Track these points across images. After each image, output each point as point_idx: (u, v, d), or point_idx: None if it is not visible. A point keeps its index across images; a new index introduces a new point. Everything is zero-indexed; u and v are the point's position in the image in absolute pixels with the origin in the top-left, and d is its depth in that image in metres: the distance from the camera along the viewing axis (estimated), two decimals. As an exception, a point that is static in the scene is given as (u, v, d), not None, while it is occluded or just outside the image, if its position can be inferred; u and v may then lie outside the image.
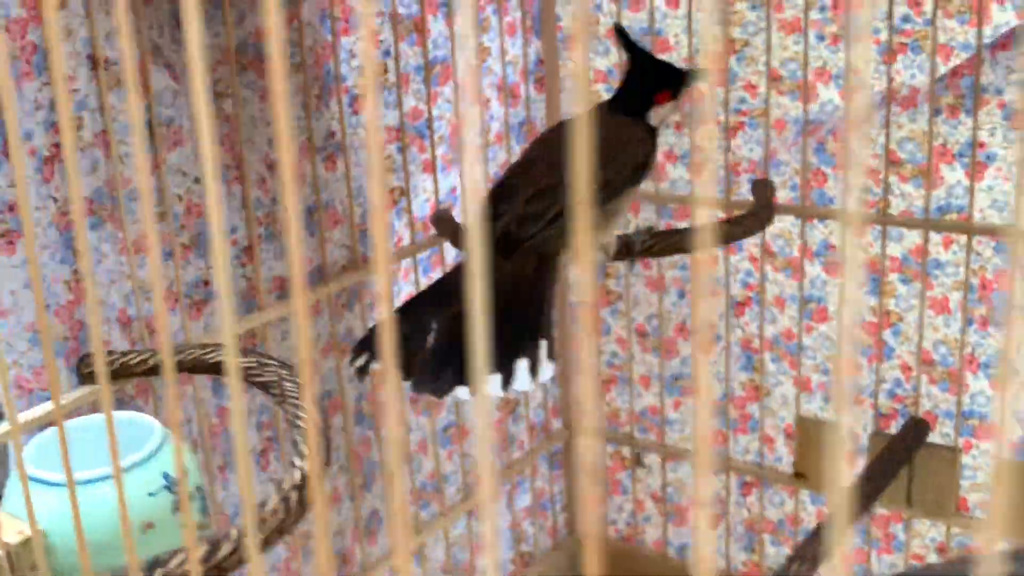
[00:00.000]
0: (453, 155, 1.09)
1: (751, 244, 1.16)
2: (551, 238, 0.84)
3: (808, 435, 1.15)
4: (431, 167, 1.06)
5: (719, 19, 1.10)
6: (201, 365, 0.73)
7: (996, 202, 0.99)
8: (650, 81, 0.87)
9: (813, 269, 1.13)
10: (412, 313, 0.79)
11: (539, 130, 1.22)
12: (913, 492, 1.09)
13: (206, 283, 0.87)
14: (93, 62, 0.76)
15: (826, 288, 1.12)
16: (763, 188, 1.07)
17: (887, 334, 1.09)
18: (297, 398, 0.72)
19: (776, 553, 1.25)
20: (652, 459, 1.31)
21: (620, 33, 0.88)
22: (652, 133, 0.87)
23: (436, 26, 1.05)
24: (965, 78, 0.97)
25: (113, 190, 0.79)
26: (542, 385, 1.32)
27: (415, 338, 0.79)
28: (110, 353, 0.77)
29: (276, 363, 0.73)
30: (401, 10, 1.01)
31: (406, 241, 1.05)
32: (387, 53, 1.00)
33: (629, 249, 0.93)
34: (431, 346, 0.78)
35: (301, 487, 0.61)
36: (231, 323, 0.31)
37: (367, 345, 0.79)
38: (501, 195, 0.85)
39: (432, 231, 1.04)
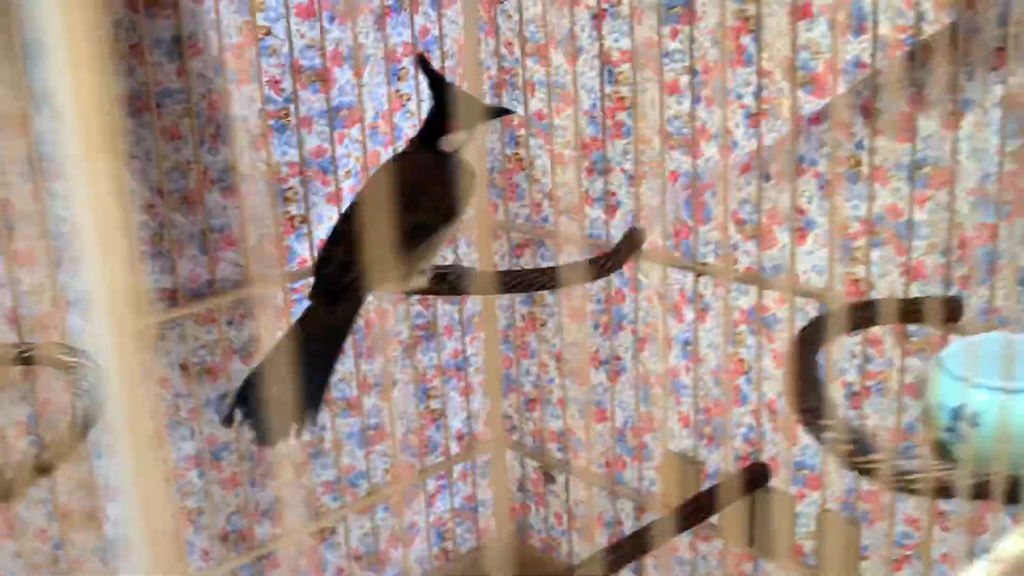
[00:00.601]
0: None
1: (654, 285, 1.24)
2: (368, 280, 0.96)
3: (672, 469, 1.22)
4: (335, 198, 1.20)
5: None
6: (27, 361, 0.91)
7: (816, 266, 1.04)
8: (446, 111, 0.94)
9: (689, 314, 1.20)
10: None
11: (470, 167, 1.34)
12: (755, 534, 1.15)
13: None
14: (-19, 109, 0.94)
15: (698, 334, 1.19)
16: (629, 236, 1.15)
17: (741, 380, 1.15)
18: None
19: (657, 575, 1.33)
20: (565, 478, 1.41)
21: (422, 63, 0.96)
22: (456, 166, 0.96)
23: (344, 74, 1.18)
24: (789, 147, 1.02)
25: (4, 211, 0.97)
26: (474, 398, 1.43)
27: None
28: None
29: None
30: (304, 62, 1.15)
31: (310, 262, 1.20)
32: (288, 100, 1.15)
33: (449, 283, 1.03)
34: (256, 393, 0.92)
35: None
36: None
37: (240, 398, 0.93)
38: (334, 241, 0.98)
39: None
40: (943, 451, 0.76)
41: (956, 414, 0.72)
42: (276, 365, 0.95)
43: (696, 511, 1.07)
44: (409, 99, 1.25)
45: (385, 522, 1.37)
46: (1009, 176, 0.89)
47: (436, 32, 1.25)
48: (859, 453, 0.69)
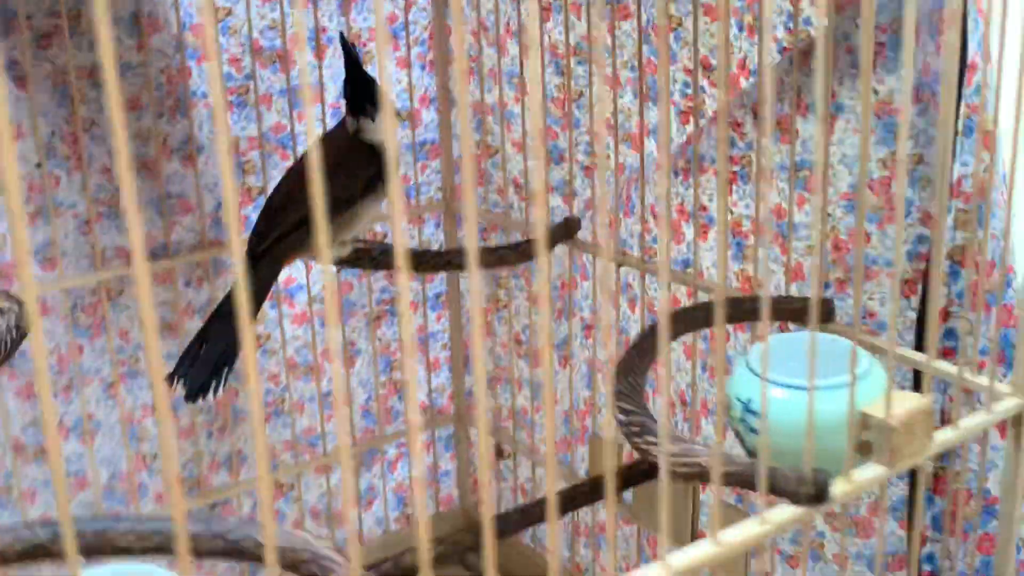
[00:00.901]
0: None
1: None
2: (283, 248, 1.03)
3: (596, 450, 1.25)
4: (293, 173, 1.27)
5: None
6: None
7: (716, 262, 1.06)
8: (359, 96, 1.00)
9: (623, 304, 1.23)
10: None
11: (440, 150, 1.40)
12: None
13: (53, 243, 1.15)
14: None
15: (629, 324, 1.22)
16: (562, 225, 1.19)
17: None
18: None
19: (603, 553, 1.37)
20: (514, 454, 1.45)
21: (343, 43, 1.01)
22: (363, 148, 1.02)
23: (303, 58, 1.25)
24: (691, 146, 1.05)
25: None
26: (439, 372, 1.49)
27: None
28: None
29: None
30: (264, 43, 1.22)
31: (268, 232, 1.27)
32: (248, 77, 1.22)
33: (372, 258, 1.10)
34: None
35: None
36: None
37: (182, 358, 1.01)
38: (263, 213, 1.06)
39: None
40: (742, 442, 0.78)
41: (746, 407, 0.75)
42: (207, 326, 1.03)
43: (594, 488, 1.10)
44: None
45: (342, 483, 1.44)
46: (879, 183, 0.90)
47: (403, 19, 1.31)
48: (639, 435, 0.73)
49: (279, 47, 1.23)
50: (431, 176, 1.41)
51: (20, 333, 0.97)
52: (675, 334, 0.89)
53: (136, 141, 1.18)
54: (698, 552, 0.62)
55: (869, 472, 0.70)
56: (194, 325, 1.27)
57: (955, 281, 0.89)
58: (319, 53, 1.25)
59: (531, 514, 1.10)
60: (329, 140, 1.06)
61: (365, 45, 1.29)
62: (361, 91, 1.01)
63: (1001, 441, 0.95)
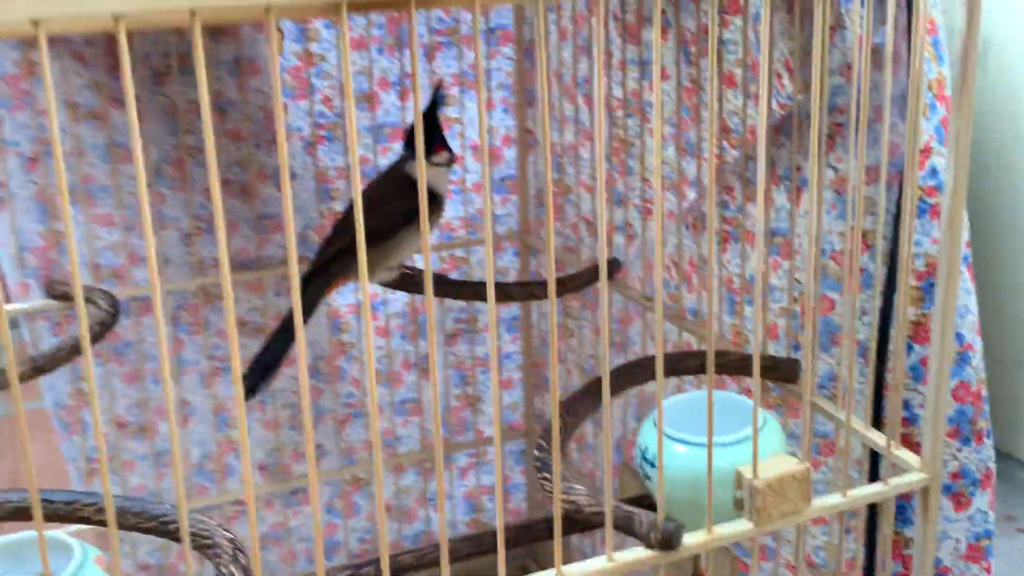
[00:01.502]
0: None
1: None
2: (331, 271, 1.17)
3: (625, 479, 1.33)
4: (375, 201, 1.41)
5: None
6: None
7: (715, 312, 1.12)
8: (429, 136, 1.09)
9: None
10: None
11: (518, 186, 1.51)
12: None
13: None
14: (68, 105, 1.25)
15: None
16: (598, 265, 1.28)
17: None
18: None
19: None
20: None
21: (435, 89, 1.12)
22: (407, 184, 1.10)
23: (389, 98, 1.39)
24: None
25: (85, 183, 1.28)
26: (512, 390, 1.60)
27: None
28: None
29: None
30: (353, 85, 1.37)
31: (350, 252, 1.42)
32: (338, 115, 1.38)
33: (415, 283, 1.21)
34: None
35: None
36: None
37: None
38: (323, 240, 1.20)
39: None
40: (645, 488, 0.85)
41: (643, 455, 0.82)
42: (269, 337, 1.18)
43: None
44: (457, 122, 1.44)
45: (415, 483, 1.58)
46: (840, 254, 0.94)
47: (485, 66, 1.43)
48: (540, 471, 0.82)
49: (366, 89, 1.38)
50: (510, 208, 1.52)
51: (105, 325, 1.15)
52: (624, 385, 0.96)
53: (236, 168, 1.35)
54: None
55: (733, 527, 0.76)
56: (282, 330, 1.43)
57: (908, 355, 0.92)
58: (402, 96, 1.39)
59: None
60: (381, 176, 1.19)
61: (448, 89, 1.42)
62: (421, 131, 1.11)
63: (955, 512, 0.97)
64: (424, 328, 1.52)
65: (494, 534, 1.07)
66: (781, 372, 0.98)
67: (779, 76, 0.97)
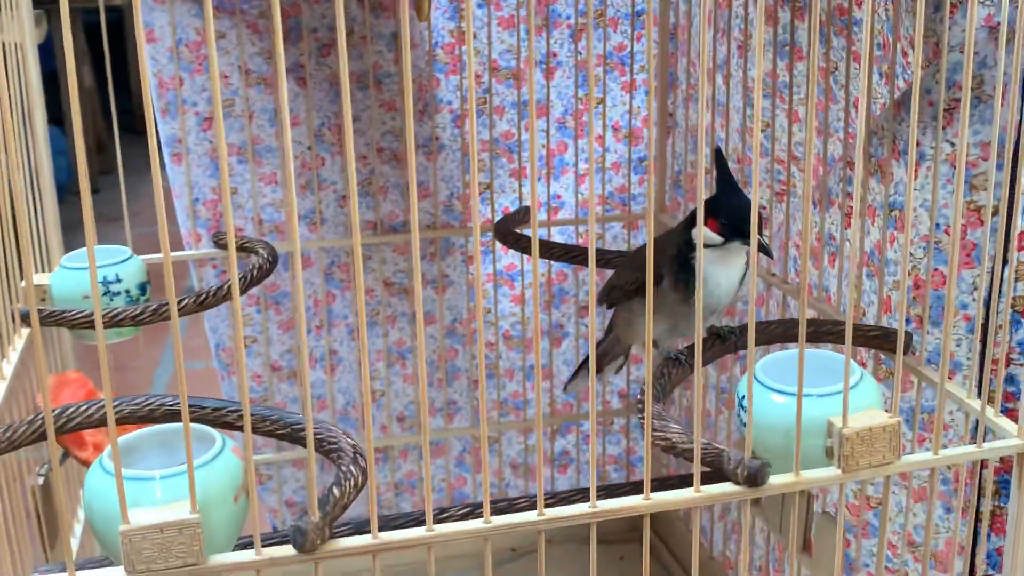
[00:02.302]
0: (549, 170, 1.51)
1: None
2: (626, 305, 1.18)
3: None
4: (516, 174, 1.49)
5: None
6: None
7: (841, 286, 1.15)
8: (712, 203, 0.97)
9: (781, 320, 1.33)
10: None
11: (657, 166, 1.56)
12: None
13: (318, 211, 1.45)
14: (242, 71, 1.37)
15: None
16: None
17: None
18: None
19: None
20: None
21: (717, 154, 1.05)
22: (675, 248, 1.01)
23: (536, 76, 1.46)
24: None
25: (254, 142, 1.40)
26: (640, 364, 1.65)
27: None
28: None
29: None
30: (501, 63, 1.45)
31: (491, 221, 1.50)
32: (486, 91, 1.46)
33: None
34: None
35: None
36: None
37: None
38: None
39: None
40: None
41: (741, 403, 0.87)
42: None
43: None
44: (601, 102, 1.50)
45: (543, 445, 1.65)
46: (953, 229, 0.97)
47: (631, 48, 1.49)
48: (640, 412, 0.87)
49: (513, 67, 1.46)
50: (647, 189, 1.57)
51: (263, 272, 1.26)
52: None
53: (389, 136, 1.45)
54: (631, 502, 0.77)
55: (820, 473, 0.80)
56: (426, 294, 1.53)
57: (1016, 330, 0.94)
58: (548, 74, 1.46)
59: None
60: (660, 235, 1.13)
61: (594, 70, 1.49)
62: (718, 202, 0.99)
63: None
64: (559, 299, 1.59)
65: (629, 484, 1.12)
66: (892, 343, 1.01)
67: (904, 54, 1.00)
